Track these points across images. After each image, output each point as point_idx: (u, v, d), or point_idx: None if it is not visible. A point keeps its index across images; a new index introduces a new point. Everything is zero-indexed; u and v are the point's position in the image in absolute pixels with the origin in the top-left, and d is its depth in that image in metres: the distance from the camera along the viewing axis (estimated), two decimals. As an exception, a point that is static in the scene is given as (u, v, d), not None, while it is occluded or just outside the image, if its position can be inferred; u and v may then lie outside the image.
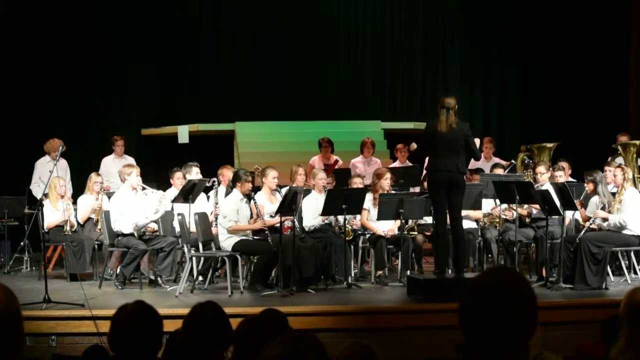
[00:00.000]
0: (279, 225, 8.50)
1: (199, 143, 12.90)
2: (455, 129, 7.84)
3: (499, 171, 10.43)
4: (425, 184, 9.85)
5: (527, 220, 9.34)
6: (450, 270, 8.27)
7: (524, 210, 9.21)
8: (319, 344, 2.31)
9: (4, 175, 12.34)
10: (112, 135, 11.89)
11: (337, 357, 2.56)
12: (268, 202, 8.96)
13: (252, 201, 8.85)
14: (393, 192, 9.54)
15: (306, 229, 9.14)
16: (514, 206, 9.01)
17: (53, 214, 9.46)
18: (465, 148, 7.91)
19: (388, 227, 9.23)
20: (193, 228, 8.68)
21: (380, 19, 14.93)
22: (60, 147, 8.82)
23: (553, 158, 10.75)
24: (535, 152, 10.85)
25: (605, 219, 8.48)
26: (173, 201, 9.26)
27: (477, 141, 8.21)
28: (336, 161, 11.51)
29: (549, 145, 10.88)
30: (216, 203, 9.34)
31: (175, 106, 14.06)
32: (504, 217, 9.43)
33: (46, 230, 9.11)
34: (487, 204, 9.64)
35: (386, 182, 9.36)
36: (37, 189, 10.69)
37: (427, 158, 10.58)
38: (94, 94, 13.76)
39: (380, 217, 9.03)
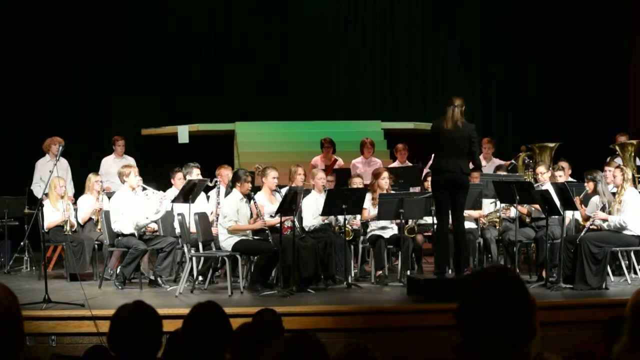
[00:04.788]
0: (279, 225, 8.51)
1: (199, 143, 12.90)
2: (460, 128, 7.84)
3: (502, 173, 10.41)
4: (426, 183, 9.88)
5: (527, 219, 9.34)
6: (450, 270, 8.26)
7: (523, 208, 9.21)
8: (319, 344, 2.30)
9: (4, 175, 12.34)
10: (112, 135, 11.89)
11: (334, 358, 2.56)
12: (268, 202, 8.96)
13: (252, 201, 8.85)
14: (393, 192, 9.54)
15: (306, 229, 9.14)
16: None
17: (53, 214, 9.46)
18: (468, 151, 7.91)
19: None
20: (193, 228, 8.68)
21: (380, 19, 14.93)
22: (60, 147, 8.80)
23: (554, 158, 10.75)
24: (536, 151, 10.84)
25: (605, 220, 8.49)
26: (173, 201, 9.26)
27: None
28: (335, 160, 11.50)
29: (551, 145, 10.87)
30: (218, 203, 9.34)
31: (175, 106, 14.06)
32: (503, 215, 9.42)
33: (46, 230, 9.11)
34: (486, 204, 9.65)
35: (384, 182, 9.37)
36: (38, 189, 10.67)
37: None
38: (94, 94, 13.76)
39: (380, 217, 9.04)
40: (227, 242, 8.59)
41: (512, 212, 9.21)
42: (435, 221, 8.32)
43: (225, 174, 9.80)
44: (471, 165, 8.10)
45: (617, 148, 10.84)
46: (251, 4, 14.62)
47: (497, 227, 9.42)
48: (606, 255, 8.28)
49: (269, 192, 9.06)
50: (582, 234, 8.47)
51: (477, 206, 9.30)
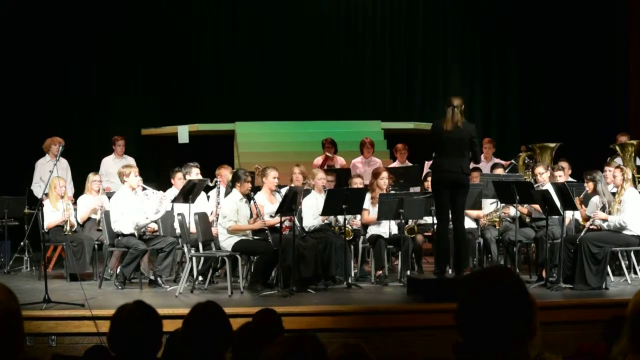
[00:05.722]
0: (279, 225, 8.51)
1: (199, 143, 12.91)
2: (461, 128, 7.84)
3: (499, 171, 10.43)
4: (426, 183, 9.88)
5: (527, 219, 9.34)
6: (450, 270, 8.27)
7: (523, 208, 9.21)
8: (319, 344, 2.31)
9: (4, 175, 12.34)
10: (112, 135, 11.90)
11: (329, 358, 2.55)
12: (268, 202, 8.96)
13: (252, 201, 8.85)
14: (393, 192, 9.54)
15: (306, 229, 9.14)
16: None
17: (53, 214, 9.46)
18: (469, 150, 7.92)
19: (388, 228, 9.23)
20: (193, 228, 8.68)
21: (380, 19, 14.93)
22: (60, 147, 8.80)
23: (554, 158, 10.74)
24: (536, 151, 10.84)
25: (604, 220, 8.49)
26: (173, 201, 9.26)
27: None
28: (330, 158, 11.45)
29: (551, 145, 10.86)
30: (218, 203, 9.34)
31: (175, 106, 14.06)
32: (503, 215, 9.42)
33: (46, 230, 9.10)
34: (486, 204, 9.64)
35: (383, 182, 9.37)
36: (38, 189, 10.68)
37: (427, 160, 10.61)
38: (94, 94, 13.76)
39: (381, 217, 9.04)
40: (227, 242, 8.59)
41: (512, 212, 9.21)
42: (435, 221, 8.32)
43: (225, 174, 9.80)
44: (471, 165, 8.10)
45: (617, 148, 10.84)
46: (251, 4, 14.62)
47: (497, 227, 9.42)
48: (606, 255, 8.28)
49: (269, 192, 9.06)
50: (582, 234, 8.47)
51: (477, 206, 9.30)
